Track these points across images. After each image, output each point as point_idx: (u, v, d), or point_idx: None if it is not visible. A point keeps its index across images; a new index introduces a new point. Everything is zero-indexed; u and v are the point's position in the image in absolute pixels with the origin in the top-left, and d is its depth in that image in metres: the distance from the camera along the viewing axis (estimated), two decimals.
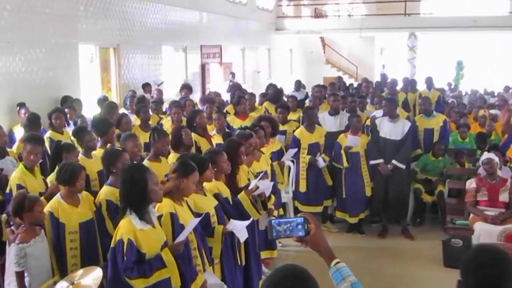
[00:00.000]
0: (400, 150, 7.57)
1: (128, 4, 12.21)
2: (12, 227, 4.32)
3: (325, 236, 2.37)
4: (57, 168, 4.75)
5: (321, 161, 7.72)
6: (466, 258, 2.25)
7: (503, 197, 6.57)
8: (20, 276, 4.01)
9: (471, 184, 6.85)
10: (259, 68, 21.88)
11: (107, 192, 4.65)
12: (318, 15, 26.61)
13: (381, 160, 7.60)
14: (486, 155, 6.90)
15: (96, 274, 3.66)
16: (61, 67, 9.96)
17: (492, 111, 11.24)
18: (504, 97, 13.91)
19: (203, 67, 16.49)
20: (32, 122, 7.29)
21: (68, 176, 4.45)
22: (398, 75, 14.58)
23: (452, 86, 19.88)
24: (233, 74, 17.35)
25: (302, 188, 7.88)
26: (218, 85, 16.59)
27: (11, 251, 4.21)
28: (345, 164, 7.67)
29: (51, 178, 5.20)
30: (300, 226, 2.31)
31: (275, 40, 24.00)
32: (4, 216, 4.77)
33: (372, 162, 7.69)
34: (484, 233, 6.27)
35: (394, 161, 7.53)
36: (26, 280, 4.05)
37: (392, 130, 7.64)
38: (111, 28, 11.62)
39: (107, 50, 11.88)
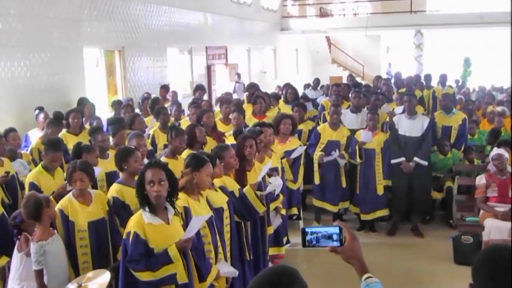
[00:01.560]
0: (422, 147, 7.51)
1: (132, 6, 12.20)
2: (25, 233, 4.25)
3: (361, 248, 2.24)
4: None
5: (336, 155, 7.59)
6: (483, 258, 2.00)
7: None
8: (39, 274, 4.00)
9: (481, 180, 6.78)
10: (265, 69, 21.87)
11: (115, 189, 4.70)
12: (323, 14, 26.57)
13: (402, 159, 7.52)
14: (496, 150, 6.81)
15: (103, 279, 3.62)
16: (66, 71, 9.96)
17: (499, 108, 11.10)
18: None
19: (208, 68, 16.49)
20: (57, 119, 7.39)
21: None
22: (405, 73, 14.52)
23: (460, 83, 19.77)
24: (239, 75, 17.33)
25: (316, 180, 7.84)
26: (224, 86, 16.57)
27: (18, 258, 4.18)
28: (358, 159, 7.61)
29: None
30: (335, 236, 2.21)
31: (281, 40, 23.98)
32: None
33: (393, 161, 7.58)
34: (495, 229, 6.22)
35: (416, 159, 7.46)
36: (45, 278, 4.03)
37: (411, 127, 7.57)
38: (116, 31, 11.61)
39: (113, 54, 11.88)
